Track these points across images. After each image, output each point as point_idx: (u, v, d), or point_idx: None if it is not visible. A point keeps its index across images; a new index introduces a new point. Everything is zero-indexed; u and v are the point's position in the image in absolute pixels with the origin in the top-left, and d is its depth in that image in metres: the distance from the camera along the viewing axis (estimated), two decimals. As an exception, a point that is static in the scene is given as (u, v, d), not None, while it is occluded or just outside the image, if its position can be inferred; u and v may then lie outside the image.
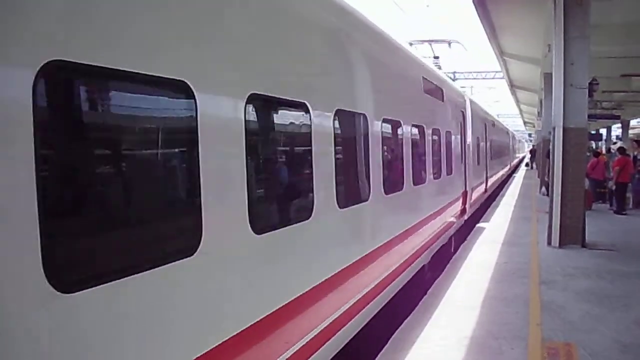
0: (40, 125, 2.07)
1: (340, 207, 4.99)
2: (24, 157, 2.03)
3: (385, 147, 6.42)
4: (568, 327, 6.21)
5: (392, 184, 6.80)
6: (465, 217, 13.27)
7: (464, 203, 12.89)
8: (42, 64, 2.09)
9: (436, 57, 15.92)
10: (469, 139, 13.87)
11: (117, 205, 2.68)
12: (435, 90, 9.69)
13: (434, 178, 9.30)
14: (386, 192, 6.35)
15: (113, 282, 2.40)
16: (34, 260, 2.04)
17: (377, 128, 6.15)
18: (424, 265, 8.68)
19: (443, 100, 10.40)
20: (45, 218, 2.07)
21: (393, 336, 6.12)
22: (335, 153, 4.94)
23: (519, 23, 15.29)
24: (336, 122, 4.99)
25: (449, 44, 17.23)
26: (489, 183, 19.78)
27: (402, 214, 7.43)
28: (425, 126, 8.58)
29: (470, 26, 29.84)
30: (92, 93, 2.51)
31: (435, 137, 9.47)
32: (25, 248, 2.02)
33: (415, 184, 7.81)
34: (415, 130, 8.00)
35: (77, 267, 2.32)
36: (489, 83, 45.59)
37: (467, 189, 13.22)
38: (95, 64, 2.33)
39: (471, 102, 15.41)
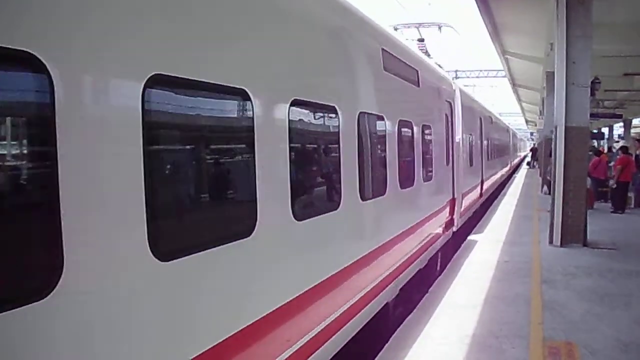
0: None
1: (162, 257, 2.74)
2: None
3: (303, 147, 4.59)
4: (569, 326, 6.21)
5: (315, 201, 4.89)
6: (454, 228, 11.18)
7: (452, 213, 10.77)
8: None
9: (421, 40, 13.37)
10: (458, 136, 11.71)
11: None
12: (404, 71, 7.35)
13: (402, 187, 6.99)
14: (299, 216, 4.15)
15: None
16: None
17: (283, 116, 3.97)
18: (387, 303, 6.59)
19: (419, 85, 8.12)
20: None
21: (394, 334, 6.13)
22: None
23: (521, 21, 15.28)
24: (164, 101, 2.93)
25: (439, 27, 15.40)
26: (485, 186, 17.65)
27: (337, 244, 5.14)
28: (385, 116, 6.33)
29: (472, 25, 29.87)
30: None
31: (405, 132, 7.29)
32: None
33: (365, 197, 5.60)
34: (366, 122, 5.76)
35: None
36: (491, 81, 45.61)
37: (456, 195, 11.00)
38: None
39: (462, 92, 13.12)
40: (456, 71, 40.98)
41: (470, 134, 14.30)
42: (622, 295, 7.44)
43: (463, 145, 12.44)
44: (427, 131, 8.57)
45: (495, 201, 19.61)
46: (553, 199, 10.90)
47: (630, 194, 16.71)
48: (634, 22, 13.31)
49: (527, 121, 66.44)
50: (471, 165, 14.22)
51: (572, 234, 10.66)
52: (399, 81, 7.06)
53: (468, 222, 13.54)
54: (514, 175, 35.41)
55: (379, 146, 6.38)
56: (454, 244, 11.29)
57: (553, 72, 11.01)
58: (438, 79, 10.33)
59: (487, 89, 47.28)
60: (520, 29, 16.19)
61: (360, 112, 5.54)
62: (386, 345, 5.81)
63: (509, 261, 9.58)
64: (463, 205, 12.07)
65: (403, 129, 7.16)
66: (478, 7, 13.46)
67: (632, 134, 38.71)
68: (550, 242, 10.82)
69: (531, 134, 75.44)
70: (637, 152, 18.42)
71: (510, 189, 24.71)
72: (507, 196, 21.40)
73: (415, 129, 7.79)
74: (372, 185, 6.03)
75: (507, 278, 8.43)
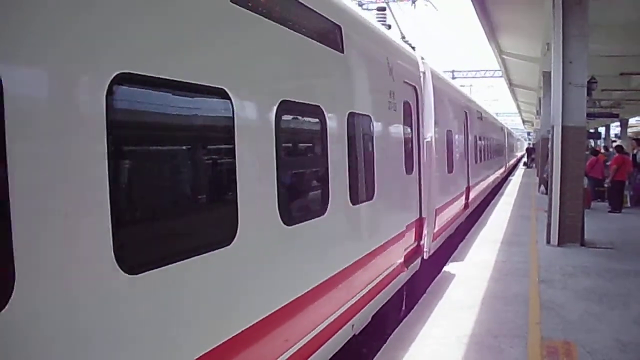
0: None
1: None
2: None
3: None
4: (567, 326, 6.21)
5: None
6: (425, 256, 8.45)
7: (418, 237, 8.22)
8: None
9: (382, 9, 10.59)
10: (429, 134, 8.91)
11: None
12: (300, 16, 4.49)
13: (294, 220, 4.17)
14: None
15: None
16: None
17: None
18: None
19: (342, 50, 5.16)
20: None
21: (393, 334, 6.12)
22: None
23: (517, 21, 15.31)
24: None
25: (413, 1, 13.12)
26: (473, 195, 14.68)
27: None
28: (230, 93, 3.34)
29: (470, 26, 29.93)
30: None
31: (298, 125, 4.69)
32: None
33: (144, 266, 2.63)
34: (169, 102, 3.01)
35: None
36: (488, 82, 45.80)
37: (425, 214, 8.38)
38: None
39: (434, 75, 9.69)
40: (453, 71, 41.14)
41: (450, 132, 11.34)
42: (620, 294, 7.45)
43: (438, 146, 9.58)
44: (361, 125, 5.73)
45: (493, 201, 19.57)
46: (550, 199, 10.91)
47: (626, 192, 16.75)
48: (630, 22, 13.34)
49: (524, 121, 66.58)
50: (451, 171, 11.36)
51: (570, 233, 10.67)
52: (281, 30, 4.11)
53: (447, 246, 10.75)
54: (509, 178, 35.22)
55: (214, 151, 3.51)
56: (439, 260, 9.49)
57: (550, 72, 11.02)
58: (389, 50, 7.20)
59: (485, 89, 47.53)
60: (517, 29, 16.22)
61: (163, 86, 2.84)
62: (385, 345, 5.81)
63: (507, 261, 9.58)
64: (437, 224, 9.31)
65: (292, 119, 4.44)
66: (475, 7, 13.47)
67: (628, 134, 38.84)
68: (548, 241, 10.82)
69: (528, 133, 75.63)
70: (635, 152, 18.47)
71: (508, 189, 24.73)
72: (504, 196, 21.41)
73: (328, 120, 4.78)
74: (216, 230, 3.38)
75: (505, 278, 8.43)
